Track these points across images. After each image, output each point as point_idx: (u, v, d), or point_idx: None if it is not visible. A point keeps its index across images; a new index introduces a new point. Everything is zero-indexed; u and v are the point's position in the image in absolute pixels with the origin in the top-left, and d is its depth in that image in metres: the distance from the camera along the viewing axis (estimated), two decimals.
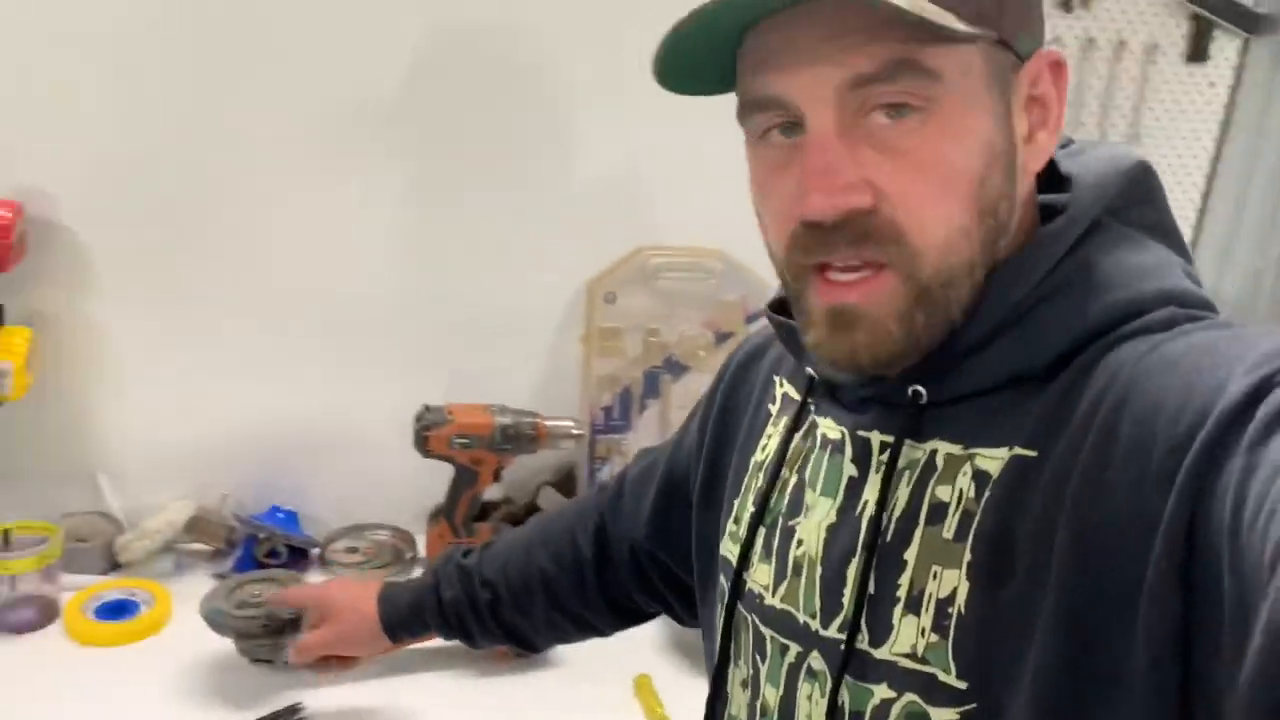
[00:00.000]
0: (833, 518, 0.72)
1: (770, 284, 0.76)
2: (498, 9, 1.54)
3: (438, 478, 1.56)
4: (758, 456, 0.83)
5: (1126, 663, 0.55)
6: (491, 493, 1.64)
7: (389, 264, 1.61)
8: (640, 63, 0.66)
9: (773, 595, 0.76)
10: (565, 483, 1.74)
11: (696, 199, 1.66)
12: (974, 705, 0.62)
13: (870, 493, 0.70)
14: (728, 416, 0.90)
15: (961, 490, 0.65)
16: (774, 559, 0.76)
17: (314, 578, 1.55)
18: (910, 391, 0.68)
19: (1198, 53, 1.74)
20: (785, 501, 0.77)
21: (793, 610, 0.74)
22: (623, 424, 1.72)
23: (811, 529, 0.74)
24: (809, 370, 0.78)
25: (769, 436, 0.82)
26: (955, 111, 0.61)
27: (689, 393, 1.72)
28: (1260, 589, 0.46)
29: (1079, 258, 0.65)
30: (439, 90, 1.55)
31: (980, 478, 0.64)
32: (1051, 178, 0.69)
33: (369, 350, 1.64)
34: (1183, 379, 0.57)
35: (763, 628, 0.76)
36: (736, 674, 0.80)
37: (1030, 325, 0.64)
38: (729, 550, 0.82)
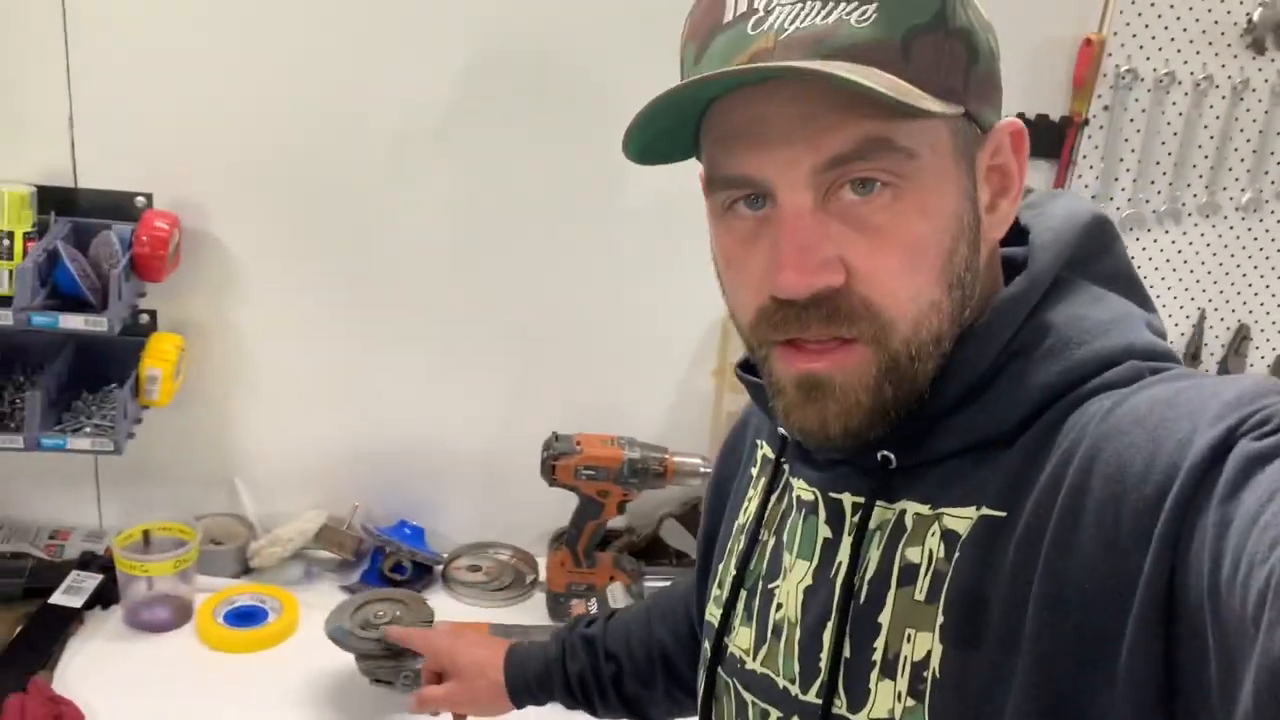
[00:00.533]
0: (809, 580, 0.72)
1: None
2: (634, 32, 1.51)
3: (563, 503, 1.55)
4: (739, 520, 0.83)
5: None
6: (614, 522, 1.62)
7: (526, 287, 1.60)
8: None
9: (753, 659, 0.76)
10: (689, 515, 1.71)
11: None
12: None
13: (843, 555, 0.70)
14: (720, 488, 0.90)
15: (931, 550, 0.64)
16: (755, 622, 0.76)
17: (435, 596, 1.57)
18: (879, 457, 0.67)
19: None
20: (765, 564, 0.77)
21: (772, 674, 0.74)
22: None
23: (790, 591, 0.73)
24: (780, 430, 0.77)
25: (749, 499, 0.82)
26: (926, 187, 0.60)
27: None
28: (1247, 644, 0.46)
29: (1039, 319, 0.65)
30: (584, 116, 1.53)
31: (949, 537, 0.64)
32: (1010, 230, 0.69)
33: (503, 371, 1.64)
34: (1149, 434, 0.56)
35: (744, 693, 0.76)
36: None
37: (995, 391, 0.64)
38: (712, 614, 0.82)
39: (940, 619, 0.63)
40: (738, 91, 0.60)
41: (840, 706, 0.67)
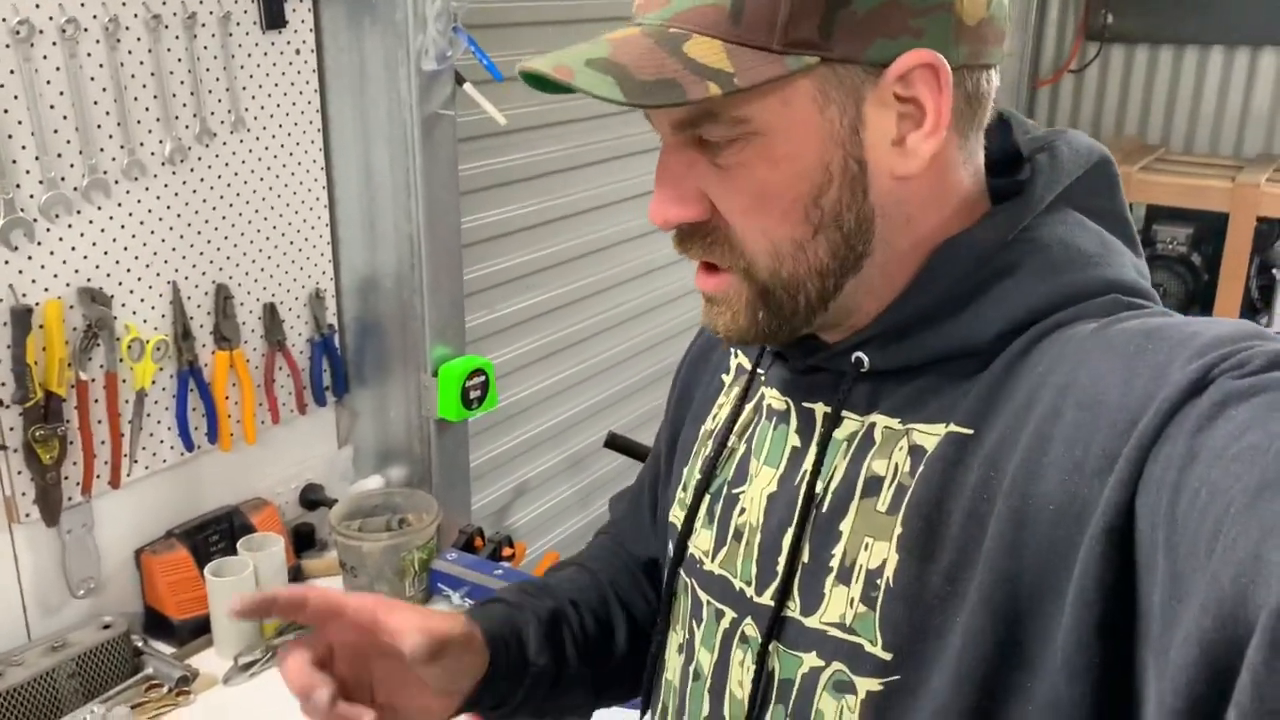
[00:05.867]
0: (774, 486, 0.74)
1: None
2: None
3: None
4: (707, 425, 0.84)
5: (1051, 645, 0.56)
6: None
7: None
8: None
9: (711, 561, 0.77)
10: None
11: None
12: (897, 677, 0.63)
13: (808, 462, 0.71)
14: (687, 393, 0.90)
15: (897, 464, 0.66)
16: (715, 525, 0.77)
17: None
18: (854, 358, 0.69)
19: (274, 18, 1.55)
20: (732, 470, 0.78)
21: (729, 576, 0.75)
22: None
23: (754, 497, 0.75)
24: None
25: (720, 405, 0.83)
26: (775, 141, 0.63)
27: None
28: (1197, 572, 0.47)
29: (1031, 239, 0.67)
30: None
31: (916, 452, 0.65)
32: (1018, 162, 0.72)
33: None
34: (1126, 364, 0.57)
35: (700, 593, 0.78)
36: (674, 639, 0.81)
37: (979, 304, 0.65)
38: (675, 516, 0.83)
39: (899, 529, 0.64)
40: None
41: (793, 609, 0.69)
